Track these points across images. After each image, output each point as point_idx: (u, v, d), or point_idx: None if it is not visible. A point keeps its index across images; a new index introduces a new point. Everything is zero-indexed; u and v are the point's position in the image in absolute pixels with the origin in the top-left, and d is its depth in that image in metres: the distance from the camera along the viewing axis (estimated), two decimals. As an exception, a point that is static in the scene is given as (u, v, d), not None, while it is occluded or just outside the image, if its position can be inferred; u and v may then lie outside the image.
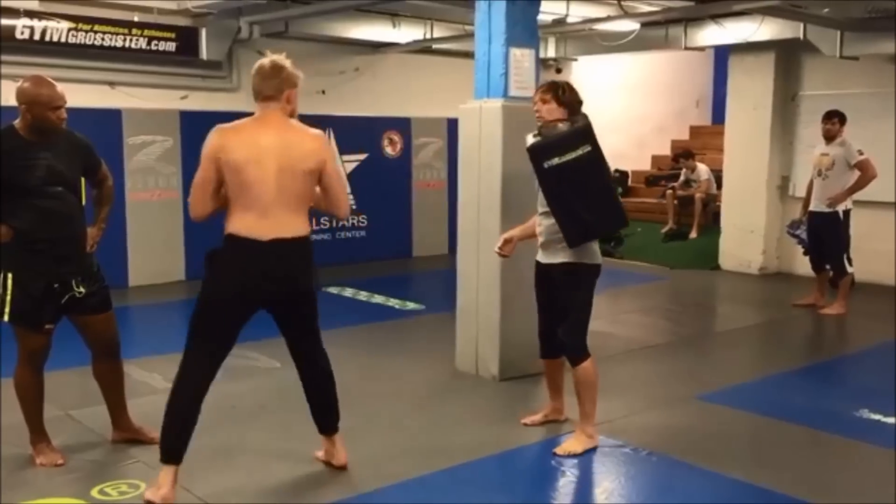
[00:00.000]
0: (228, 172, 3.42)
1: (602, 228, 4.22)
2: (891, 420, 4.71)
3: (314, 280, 3.68)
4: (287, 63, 3.53)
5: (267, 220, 3.43)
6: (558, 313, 4.24)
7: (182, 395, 3.59)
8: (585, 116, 4.11)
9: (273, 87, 3.49)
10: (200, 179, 3.49)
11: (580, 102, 4.19)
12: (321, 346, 3.85)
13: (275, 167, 3.41)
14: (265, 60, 3.53)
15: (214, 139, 3.47)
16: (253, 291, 3.51)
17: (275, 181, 3.41)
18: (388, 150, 10.56)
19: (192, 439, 4.28)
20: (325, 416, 3.92)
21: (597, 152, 4.03)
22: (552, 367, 4.53)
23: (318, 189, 3.59)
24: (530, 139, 4.08)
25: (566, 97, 4.16)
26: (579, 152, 3.97)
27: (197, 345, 3.59)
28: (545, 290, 4.34)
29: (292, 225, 3.49)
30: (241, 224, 3.46)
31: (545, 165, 3.99)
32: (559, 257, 4.17)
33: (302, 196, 3.51)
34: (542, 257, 4.30)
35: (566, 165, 3.96)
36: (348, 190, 3.70)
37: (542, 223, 4.26)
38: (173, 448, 3.55)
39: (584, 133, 4.03)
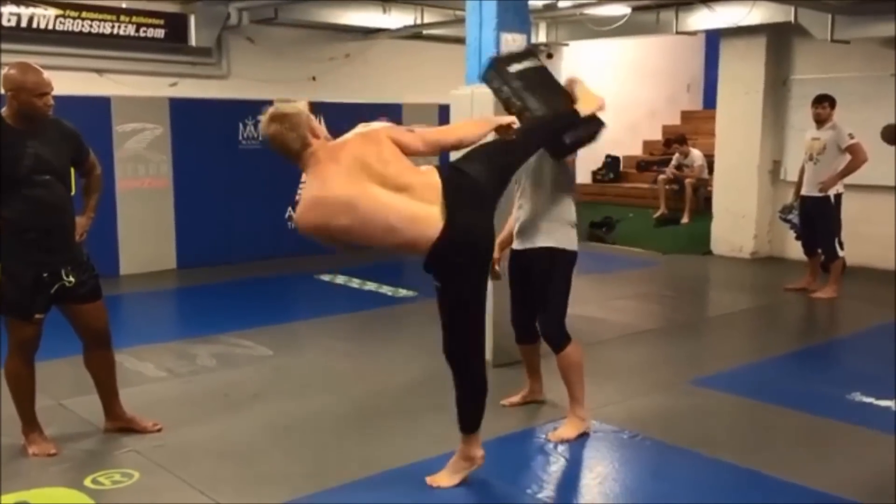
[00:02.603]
0: (349, 236, 3.33)
1: (593, 128, 4.07)
2: (883, 403, 4.73)
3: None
4: (283, 108, 3.33)
5: (425, 215, 3.28)
6: (533, 302, 4.25)
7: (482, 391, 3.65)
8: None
9: (296, 137, 3.28)
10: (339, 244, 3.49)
11: None
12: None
13: (372, 187, 3.24)
14: (264, 121, 3.31)
15: (310, 231, 3.31)
16: (486, 251, 3.55)
17: (384, 194, 3.25)
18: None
19: (186, 427, 4.31)
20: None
21: (545, 67, 4.22)
22: (528, 351, 4.58)
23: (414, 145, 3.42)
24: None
25: None
26: (532, 63, 4.16)
27: (478, 343, 3.60)
28: (522, 279, 4.32)
29: (426, 185, 3.34)
30: (426, 235, 3.30)
31: (511, 70, 4.05)
32: (538, 241, 4.16)
33: (403, 167, 3.34)
34: (518, 244, 4.28)
35: (530, 69, 4.09)
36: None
37: (522, 206, 4.24)
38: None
39: (533, 52, 4.31)
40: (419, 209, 3.28)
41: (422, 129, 3.53)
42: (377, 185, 3.26)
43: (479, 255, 3.46)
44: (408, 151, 3.40)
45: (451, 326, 3.51)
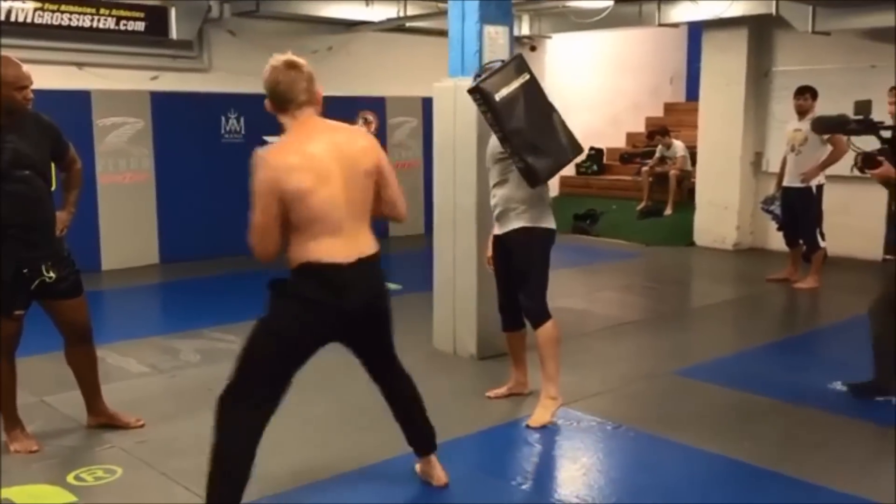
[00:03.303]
0: (294, 201, 2.95)
1: (567, 156, 4.25)
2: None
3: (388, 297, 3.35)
4: (299, 60, 3.14)
5: (343, 239, 3.04)
6: (516, 283, 4.32)
7: (230, 455, 3.13)
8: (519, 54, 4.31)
9: (305, 90, 3.07)
10: (264, 220, 2.96)
11: None
12: (401, 366, 3.58)
13: (340, 179, 3.02)
14: (279, 63, 3.08)
15: (267, 170, 2.96)
16: (339, 320, 3.11)
17: (343, 194, 3.02)
18: (364, 129, 10.46)
19: (170, 423, 4.30)
20: (416, 437, 3.61)
21: (535, 80, 4.17)
22: (514, 339, 4.61)
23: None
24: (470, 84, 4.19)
25: None
26: (521, 80, 4.10)
27: (249, 391, 3.11)
28: (503, 262, 4.39)
29: (368, 240, 3.15)
30: (318, 250, 3.01)
31: (497, 98, 4.03)
32: (515, 223, 4.24)
33: (368, 204, 3.16)
34: (497, 230, 4.37)
35: (516, 94, 4.06)
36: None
37: (496, 194, 4.31)
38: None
39: (521, 63, 4.19)
40: (351, 238, 3.06)
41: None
42: (346, 191, 3.06)
43: (325, 315, 3.09)
44: (382, 192, 3.20)
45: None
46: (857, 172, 4.74)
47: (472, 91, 4.12)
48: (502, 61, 4.24)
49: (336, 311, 3.09)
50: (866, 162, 4.59)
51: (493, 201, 4.37)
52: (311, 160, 3.00)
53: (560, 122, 4.23)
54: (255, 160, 2.97)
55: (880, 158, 4.54)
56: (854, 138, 4.82)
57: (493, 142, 4.28)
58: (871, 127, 4.69)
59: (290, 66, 3.10)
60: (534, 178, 4.09)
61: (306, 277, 3.05)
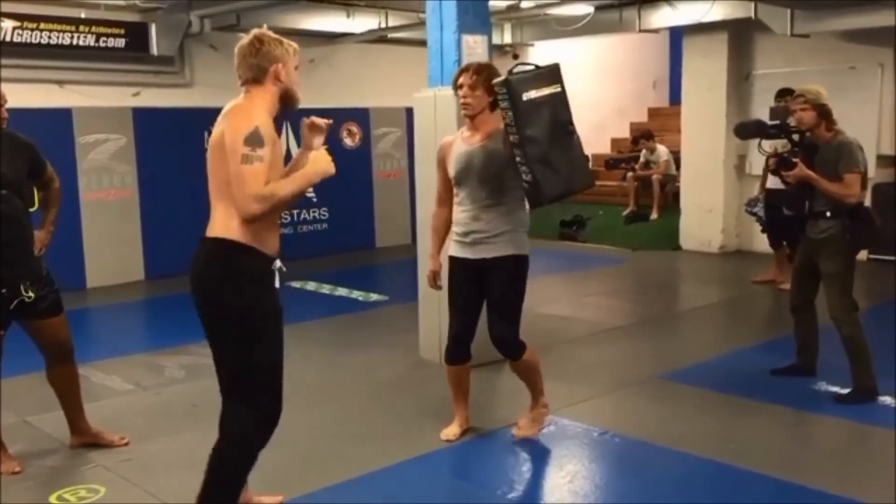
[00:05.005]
0: None
1: (578, 185, 3.94)
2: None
3: (232, 303, 2.98)
4: (267, 35, 3.00)
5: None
6: (494, 312, 4.01)
7: None
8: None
9: (249, 67, 2.98)
10: None
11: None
12: (234, 408, 3.22)
13: (211, 150, 2.99)
14: (244, 39, 3.01)
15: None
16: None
17: (209, 165, 3.00)
18: (348, 141, 10.49)
19: (153, 440, 4.27)
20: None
21: (565, 94, 3.85)
22: (462, 372, 4.22)
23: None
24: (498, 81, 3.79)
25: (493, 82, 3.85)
26: (553, 90, 3.78)
27: None
28: (472, 287, 4.02)
29: (214, 221, 2.99)
30: None
31: (524, 98, 3.68)
32: (504, 250, 3.92)
33: (222, 182, 2.91)
34: (472, 253, 3.96)
35: (544, 101, 3.73)
36: (261, 185, 2.81)
37: (481, 217, 3.93)
38: None
39: (557, 72, 3.86)
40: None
41: (261, 167, 2.82)
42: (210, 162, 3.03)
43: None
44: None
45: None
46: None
47: (500, 83, 3.72)
48: (537, 66, 3.86)
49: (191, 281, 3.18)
50: (783, 164, 4.83)
51: (474, 224, 3.94)
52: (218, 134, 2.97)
53: (579, 145, 3.87)
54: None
55: (795, 161, 4.68)
56: (765, 142, 5.13)
57: (489, 157, 3.89)
58: (784, 130, 4.90)
59: (247, 42, 2.99)
60: (538, 197, 3.76)
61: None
